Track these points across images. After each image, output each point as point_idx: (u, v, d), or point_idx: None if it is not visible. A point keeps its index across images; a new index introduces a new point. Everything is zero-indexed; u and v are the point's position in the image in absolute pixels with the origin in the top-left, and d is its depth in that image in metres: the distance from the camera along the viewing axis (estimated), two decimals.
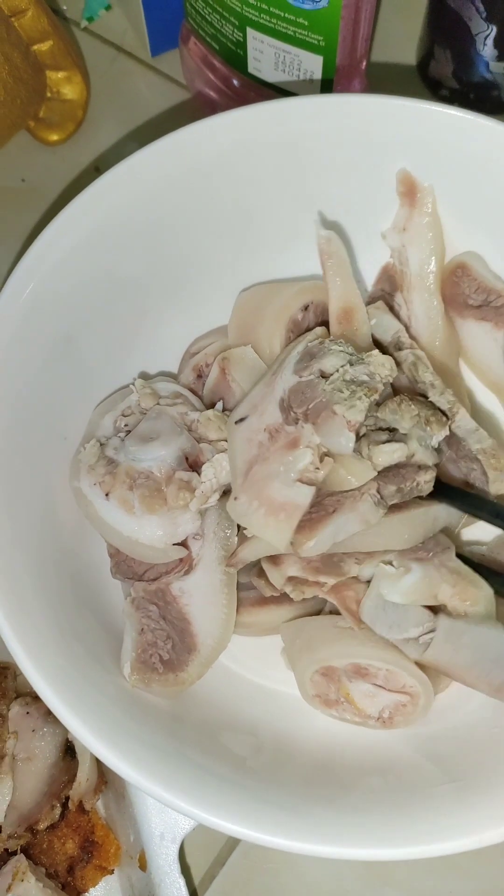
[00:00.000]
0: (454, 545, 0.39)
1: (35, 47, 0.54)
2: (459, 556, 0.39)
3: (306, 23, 0.46)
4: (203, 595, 0.40)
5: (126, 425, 0.41)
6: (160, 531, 0.39)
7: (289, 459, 0.37)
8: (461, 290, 0.43)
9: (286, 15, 0.46)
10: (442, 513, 0.39)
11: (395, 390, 0.41)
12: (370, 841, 0.32)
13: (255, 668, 0.42)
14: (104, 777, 0.45)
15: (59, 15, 0.61)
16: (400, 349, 0.42)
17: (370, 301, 0.45)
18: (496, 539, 0.43)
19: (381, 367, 0.38)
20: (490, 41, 0.50)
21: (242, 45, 0.50)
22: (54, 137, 0.57)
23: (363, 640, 0.38)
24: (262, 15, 0.47)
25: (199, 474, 0.39)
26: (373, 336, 0.42)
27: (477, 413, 0.45)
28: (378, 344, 0.42)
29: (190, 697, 0.40)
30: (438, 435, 0.39)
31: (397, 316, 0.44)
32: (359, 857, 0.32)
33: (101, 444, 0.41)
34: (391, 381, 0.39)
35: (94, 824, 0.44)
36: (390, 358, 0.39)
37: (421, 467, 0.38)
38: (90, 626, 0.39)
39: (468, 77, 0.53)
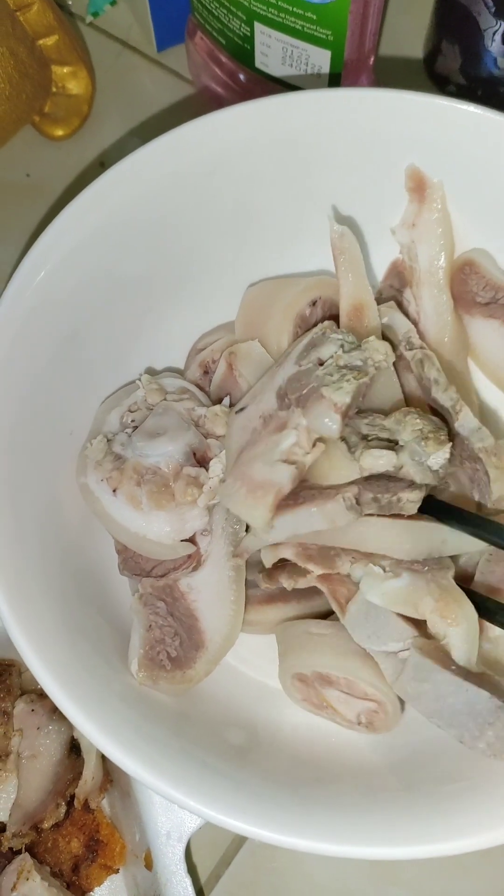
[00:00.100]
0: (453, 568, 0.37)
1: (40, 42, 0.54)
2: (466, 589, 0.37)
3: (315, 17, 0.46)
4: (211, 591, 0.39)
5: (133, 421, 0.41)
6: (168, 527, 0.38)
7: (274, 440, 0.36)
8: (469, 287, 0.43)
9: (294, 9, 0.46)
10: (453, 538, 0.37)
11: (410, 405, 0.41)
12: (379, 840, 0.32)
13: (260, 666, 0.42)
14: (109, 775, 0.44)
15: (65, 10, 0.61)
16: (410, 349, 0.41)
17: (378, 297, 0.44)
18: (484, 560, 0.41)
19: (375, 352, 0.38)
20: (498, 37, 0.50)
21: (250, 39, 0.50)
22: (59, 132, 0.57)
23: (325, 648, 0.38)
24: (269, 9, 0.47)
25: (206, 470, 0.39)
26: (383, 335, 0.42)
27: (484, 411, 0.45)
28: (388, 343, 0.42)
29: (196, 695, 0.39)
30: (436, 455, 0.37)
31: (406, 312, 0.43)
32: (367, 855, 0.32)
33: (108, 440, 0.40)
34: (386, 365, 0.38)
35: (100, 823, 0.44)
36: (387, 343, 0.38)
37: (412, 485, 0.37)
38: (97, 622, 0.39)
39: (476, 73, 0.53)
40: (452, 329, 0.43)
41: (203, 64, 0.55)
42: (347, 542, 0.37)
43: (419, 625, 0.36)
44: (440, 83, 0.56)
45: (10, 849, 0.42)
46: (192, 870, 0.43)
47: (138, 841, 0.42)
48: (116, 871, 0.44)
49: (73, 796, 0.43)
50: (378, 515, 0.37)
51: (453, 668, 0.34)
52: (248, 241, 0.45)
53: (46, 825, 0.42)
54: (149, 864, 0.42)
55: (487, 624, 0.37)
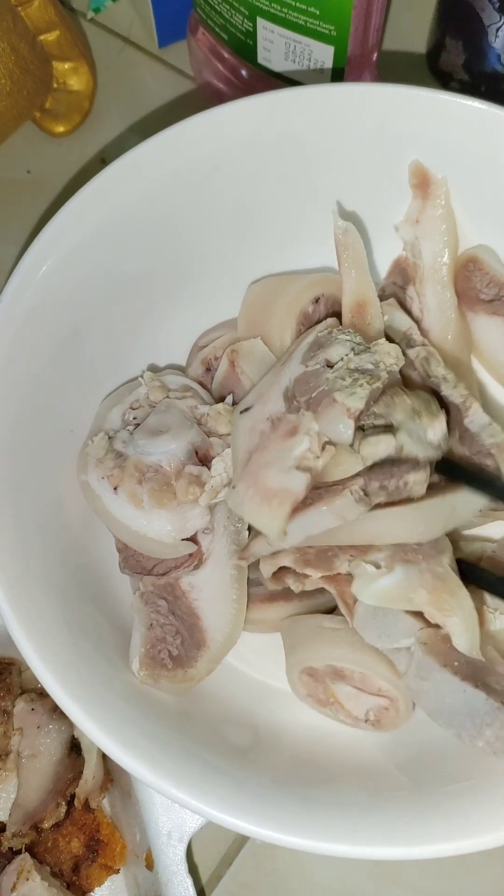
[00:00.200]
0: (451, 549, 0.37)
1: (42, 38, 0.53)
2: (462, 560, 0.37)
3: (318, 12, 0.46)
4: (213, 590, 0.39)
5: (134, 418, 0.41)
6: (169, 526, 0.38)
7: (286, 446, 0.36)
8: (473, 284, 0.43)
9: (298, 4, 0.46)
10: (461, 502, 0.38)
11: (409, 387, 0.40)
12: (381, 839, 0.32)
13: (262, 665, 0.42)
14: (110, 775, 0.44)
15: (66, 5, 0.60)
16: (411, 346, 0.41)
17: (381, 294, 0.44)
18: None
19: (386, 356, 0.37)
20: (502, 33, 0.49)
21: (252, 35, 0.50)
22: (60, 129, 0.57)
23: (340, 641, 0.38)
24: (273, 4, 0.47)
25: (208, 468, 0.39)
26: (385, 333, 0.41)
27: (488, 408, 0.44)
28: (390, 340, 0.41)
29: (197, 693, 0.39)
30: (433, 427, 0.37)
31: (409, 309, 0.43)
32: (370, 855, 0.32)
33: (110, 438, 0.40)
34: (397, 369, 0.38)
35: (100, 823, 0.44)
36: (396, 346, 0.38)
37: (414, 466, 0.36)
38: (97, 621, 0.38)
39: (479, 69, 0.53)
40: (456, 326, 0.43)
41: (205, 60, 0.55)
42: (360, 538, 0.37)
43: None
44: (443, 79, 0.56)
45: (10, 849, 0.42)
46: (193, 870, 0.42)
47: (139, 841, 0.42)
48: (117, 872, 0.44)
49: (73, 796, 0.43)
50: (387, 505, 0.36)
51: (455, 664, 0.35)
52: (249, 238, 0.44)
53: (46, 825, 0.42)
54: (150, 864, 0.41)
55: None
